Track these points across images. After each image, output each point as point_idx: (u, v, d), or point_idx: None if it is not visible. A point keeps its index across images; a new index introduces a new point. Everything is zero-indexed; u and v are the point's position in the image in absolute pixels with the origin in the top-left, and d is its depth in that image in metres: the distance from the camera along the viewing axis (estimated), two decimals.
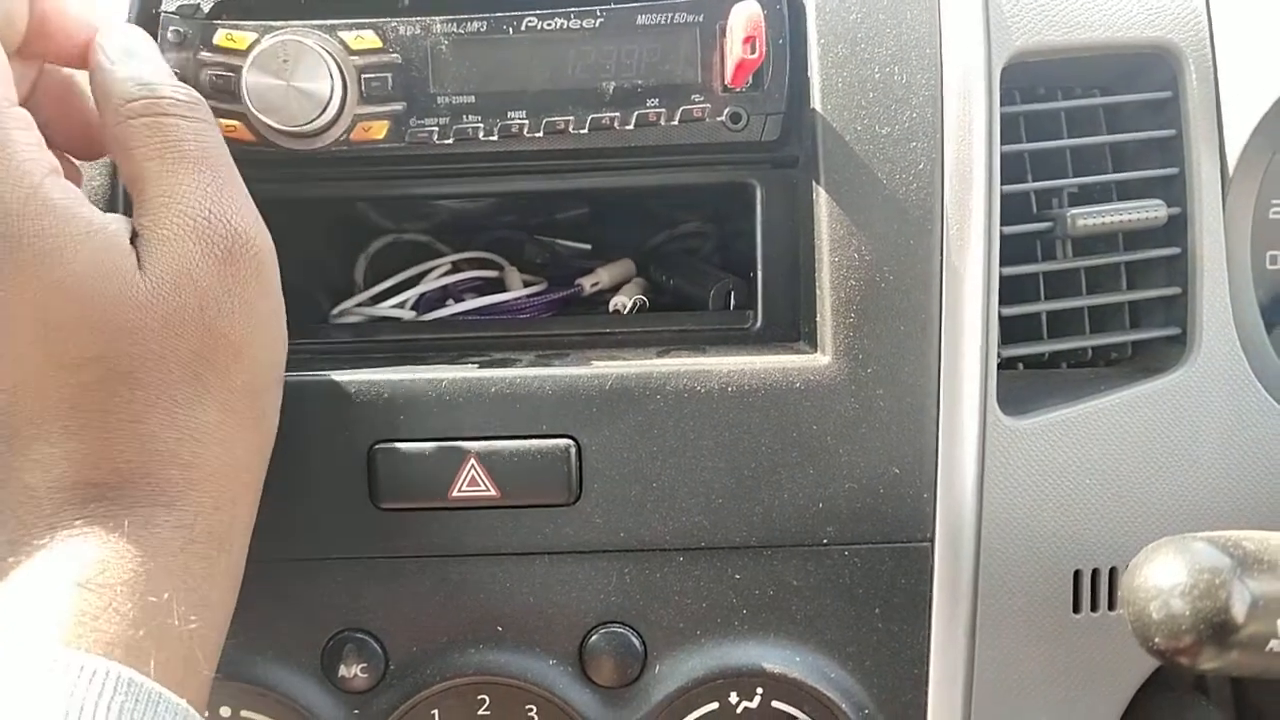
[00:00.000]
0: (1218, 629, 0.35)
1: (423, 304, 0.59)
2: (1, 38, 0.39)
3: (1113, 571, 0.49)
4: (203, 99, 0.42)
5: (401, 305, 0.58)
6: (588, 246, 0.67)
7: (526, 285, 0.61)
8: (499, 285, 0.62)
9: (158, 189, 0.39)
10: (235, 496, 0.40)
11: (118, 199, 0.48)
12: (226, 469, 0.40)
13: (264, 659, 0.47)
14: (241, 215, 0.40)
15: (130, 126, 0.40)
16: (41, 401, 0.36)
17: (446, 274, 0.60)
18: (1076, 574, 0.49)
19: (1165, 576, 0.36)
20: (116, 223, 0.38)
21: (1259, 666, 0.36)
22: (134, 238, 0.39)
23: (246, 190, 0.41)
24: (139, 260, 0.38)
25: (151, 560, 0.36)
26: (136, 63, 0.42)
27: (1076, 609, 0.49)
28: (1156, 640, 0.36)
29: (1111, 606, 0.49)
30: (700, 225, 0.66)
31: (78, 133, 0.44)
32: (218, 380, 0.39)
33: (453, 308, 0.58)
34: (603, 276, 0.61)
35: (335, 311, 0.58)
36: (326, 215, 0.61)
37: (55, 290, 0.36)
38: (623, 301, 0.59)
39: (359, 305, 0.58)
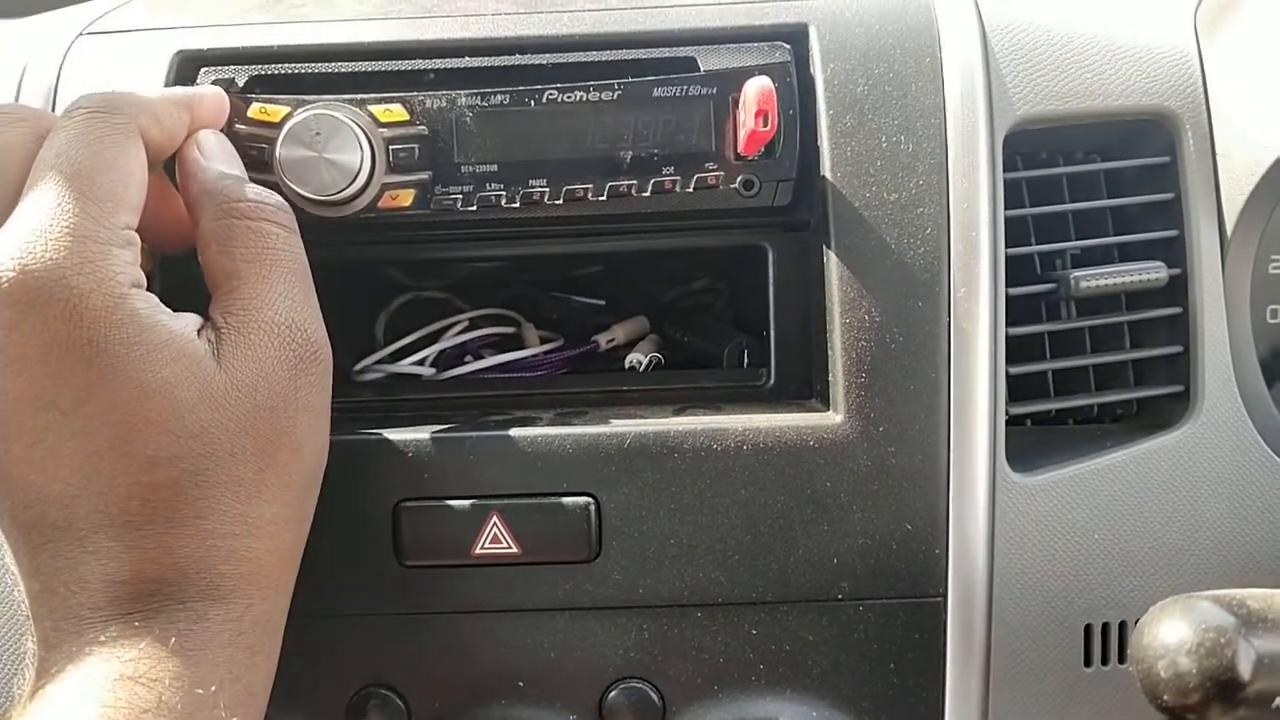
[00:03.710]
0: (1224, 687, 0.36)
1: (442, 360, 0.60)
2: (159, 149, 0.43)
3: (1122, 625, 0.50)
4: (291, 210, 0.45)
5: (421, 361, 0.59)
6: (602, 302, 0.69)
7: (543, 341, 0.63)
8: (516, 341, 0.63)
9: (252, 291, 0.41)
10: (279, 586, 0.42)
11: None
12: (276, 561, 0.41)
13: (289, 714, 0.48)
14: (316, 325, 0.43)
15: (234, 226, 0.42)
16: (107, 497, 0.37)
17: (465, 330, 0.62)
18: (1087, 628, 0.50)
19: (1171, 635, 0.37)
20: (191, 324, 0.40)
21: None
22: (203, 327, 0.41)
23: (317, 300, 0.44)
24: (218, 356, 0.40)
25: (201, 654, 0.37)
26: (229, 164, 0.45)
27: (1088, 663, 0.50)
28: (1165, 698, 0.37)
29: (1122, 660, 0.50)
30: (712, 282, 0.68)
31: (166, 227, 0.46)
32: (277, 477, 0.40)
33: (472, 365, 0.59)
34: (618, 333, 0.63)
35: (357, 368, 0.59)
36: (349, 274, 0.62)
37: (139, 395, 0.37)
38: (638, 359, 0.60)
39: (380, 361, 0.60)
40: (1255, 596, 0.38)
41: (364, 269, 0.63)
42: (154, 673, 0.36)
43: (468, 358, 0.61)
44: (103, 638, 0.36)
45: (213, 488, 0.39)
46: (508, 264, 0.64)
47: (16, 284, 0.36)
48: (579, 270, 0.66)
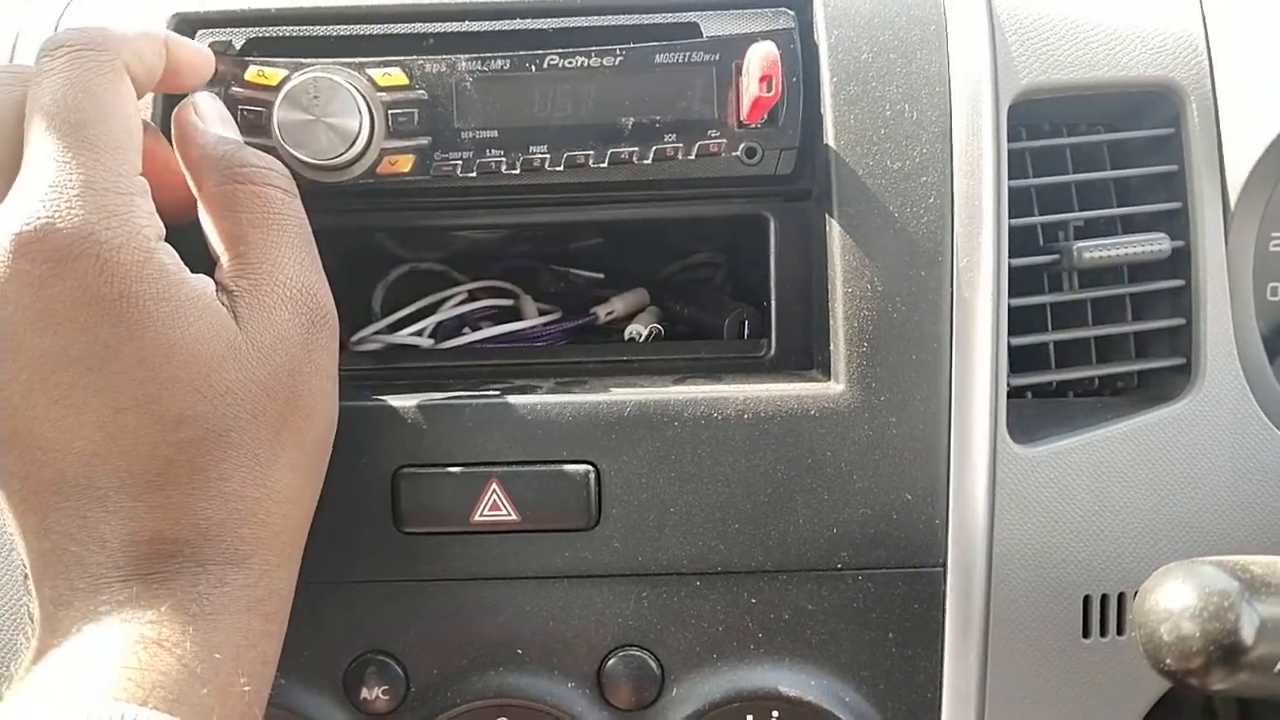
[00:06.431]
0: (1227, 651, 0.36)
1: (440, 332, 0.60)
2: (140, 86, 0.41)
3: (1121, 597, 0.50)
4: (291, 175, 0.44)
5: (419, 333, 0.59)
6: (601, 276, 0.68)
7: (541, 314, 0.63)
8: (514, 313, 0.63)
9: (261, 256, 0.41)
10: (292, 552, 0.42)
11: None
12: (291, 526, 0.41)
13: (286, 681, 0.48)
14: (324, 289, 0.43)
15: (238, 191, 0.41)
16: (131, 455, 0.37)
17: (463, 302, 0.62)
18: (1086, 599, 0.50)
19: (1175, 599, 0.37)
20: (210, 285, 0.40)
21: (1267, 688, 0.37)
22: (217, 292, 0.40)
23: (321, 264, 0.44)
24: (235, 318, 0.39)
25: (220, 619, 0.37)
26: (225, 127, 0.45)
27: (1086, 634, 0.50)
28: (1168, 662, 0.37)
29: (1120, 631, 0.50)
30: (712, 255, 0.67)
31: (167, 196, 0.45)
32: (293, 440, 0.40)
33: (470, 336, 0.59)
34: (617, 305, 0.62)
35: (354, 339, 0.59)
36: (346, 244, 0.62)
37: (166, 351, 0.37)
38: (638, 330, 0.60)
39: (377, 333, 0.59)
40: (1258, 562, 0.38)
41: (361, 239, 0.62)
42: (175, 637, 0.35)
43: (466, 329, 0.60)
44: (121, 598, 0.36)
45: (235, 449, 0.38)
46: (507, 234, 0.64)
47: (48, 241, 0.35)
48: (578, 242, 0.66)
